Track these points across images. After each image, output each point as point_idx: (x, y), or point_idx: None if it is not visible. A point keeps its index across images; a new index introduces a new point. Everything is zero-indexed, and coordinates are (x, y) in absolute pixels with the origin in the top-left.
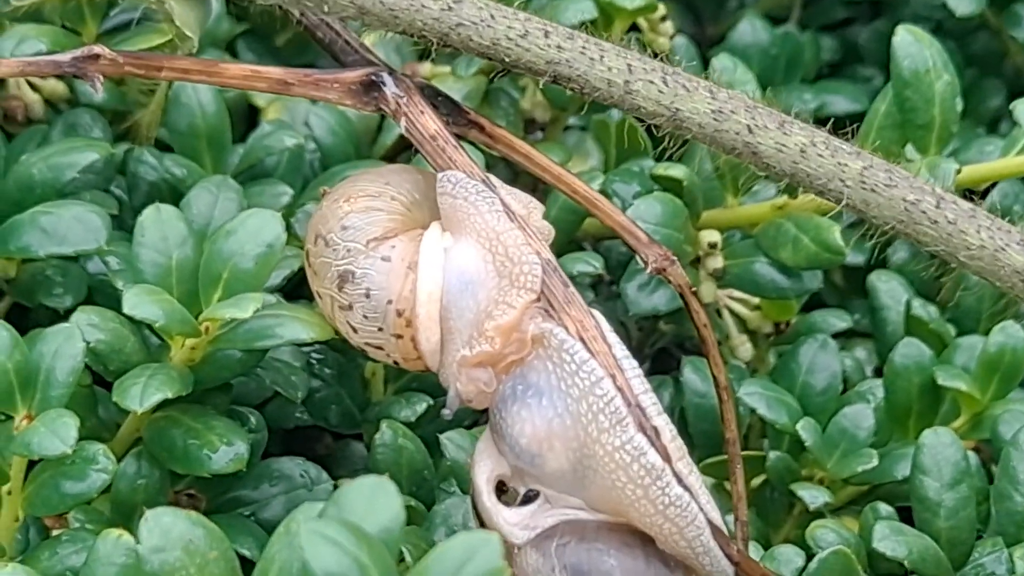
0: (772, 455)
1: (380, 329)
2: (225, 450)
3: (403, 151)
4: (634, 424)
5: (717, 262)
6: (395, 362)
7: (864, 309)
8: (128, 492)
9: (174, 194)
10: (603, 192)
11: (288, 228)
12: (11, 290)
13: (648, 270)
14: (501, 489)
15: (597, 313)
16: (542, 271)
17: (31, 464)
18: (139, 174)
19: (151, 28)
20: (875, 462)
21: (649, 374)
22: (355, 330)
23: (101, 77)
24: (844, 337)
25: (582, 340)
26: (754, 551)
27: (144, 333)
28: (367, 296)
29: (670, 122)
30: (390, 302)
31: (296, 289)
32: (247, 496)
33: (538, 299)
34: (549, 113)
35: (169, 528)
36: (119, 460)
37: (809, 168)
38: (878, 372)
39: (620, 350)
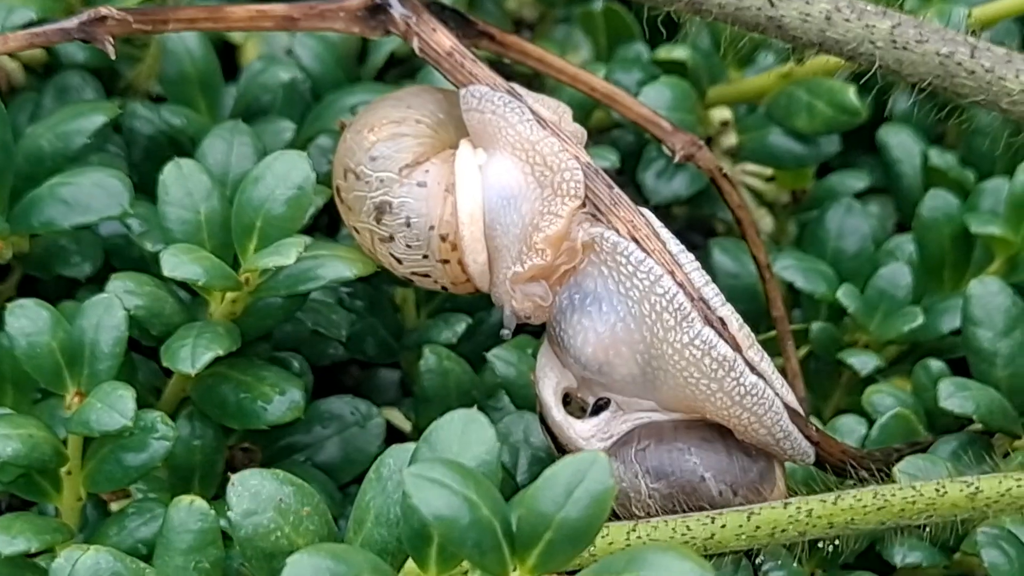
0: (815, 326)
1: (425, 256)
2: (280, 400)
3: (393, 67)
4: (700, 318)
5: (731, 139)
6: (443, 288)
7: (869, 165)
8: (185, 455)
9: (173, 145)
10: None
11: None
12: (25, 265)
13: (677, 158)
14: (566, 401)
15: (646, 211)
16: (584, 175)
17: (86, 441)
18: (135, 129)
19: None
20: (921, 319)
21: None
22: (399, 261)
23: (111, 38)
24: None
25: (635, 240)
26: (813, 423)
27: (177, 291)
28: (408, 225)
29: (689, 7)
30: (432, 228)
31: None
32: (300, 441)
33: (583, 204)
34: (537, 11)
35: (258, 490)
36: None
37: (837, 35)
38: (899, 227)
39: (675, 245)
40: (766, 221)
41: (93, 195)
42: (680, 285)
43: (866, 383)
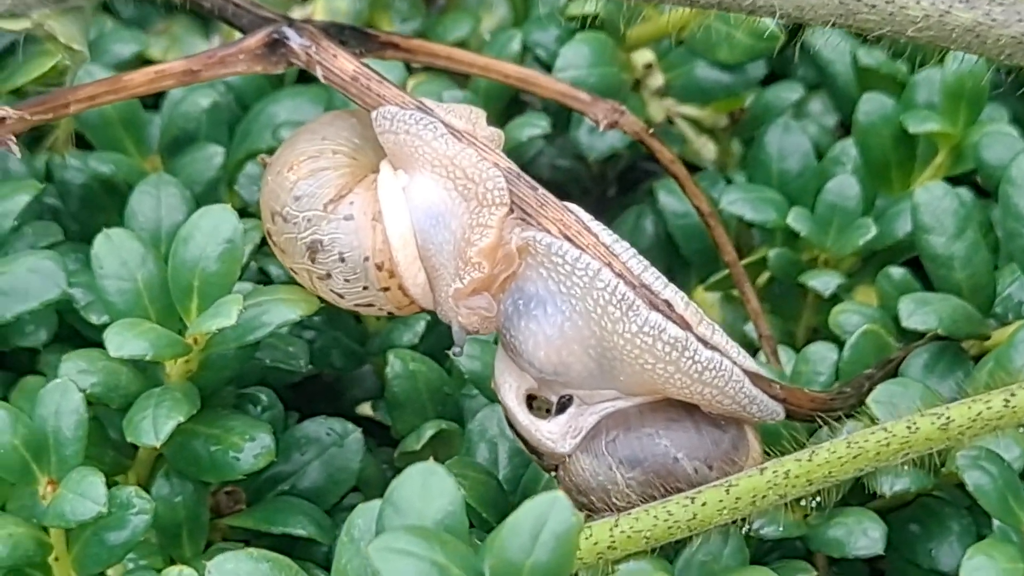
0: (772, 253)
1: (365, 288)
2: (250, 447)
3: None
4: (645, 304)
5: (658, 80)
6: (389, 313)
7: (797, 62)
8: (169, 513)
9: (107, 190)
10: (525, 47)
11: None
12: None
13: (601, 127)
14: (532, 400)
15: (573, 206)
16: (506, 181)
17: None
18: (67, 180)
19: (38, 51)
20: (874, 231)
21: (618, 196)
22: (341, 296)
23: (14, 138)
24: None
25: (567, 238)
26: (784, 354)
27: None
28: (342, 260)
29: None
30: (367, 259)
31: None
32: (282, 471)
33: (511, 210)
34: None
35: (235, 573)
36: (148, 482)
37: None
38: (843, 126)
39: (608, 236)
40: (709, 148)
41: (29, 281)
42: (619, 275)
43: (833, 300)
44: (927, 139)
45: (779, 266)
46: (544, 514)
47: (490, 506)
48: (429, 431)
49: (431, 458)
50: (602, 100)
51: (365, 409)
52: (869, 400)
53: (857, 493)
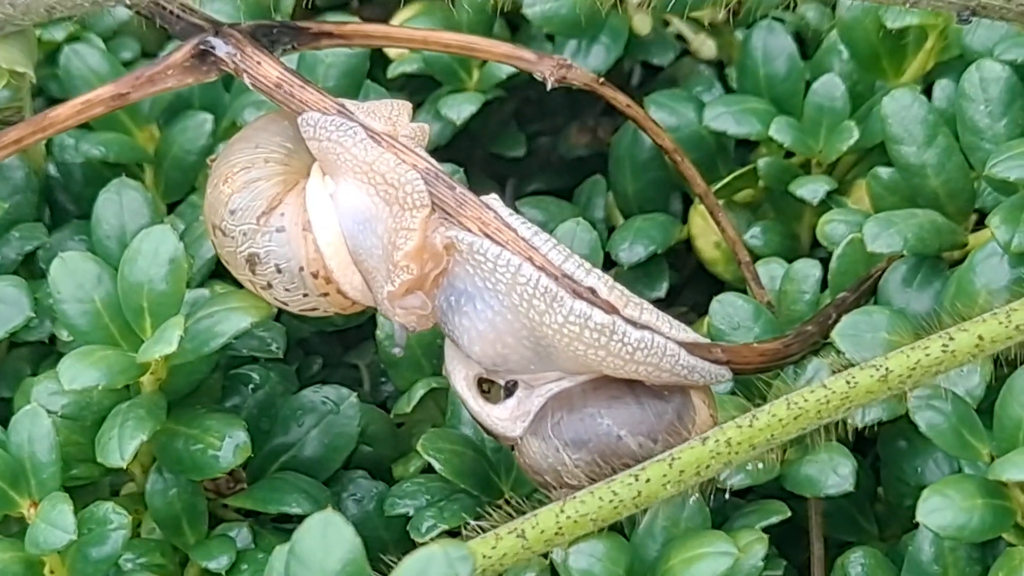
0: (761, 164)
1: (305, 295)
2: (227, 443)
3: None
4: (568, 294)
5: None
6: (336, 315)
7: None
8: (165, 506)
9: (107, 168)
10: None
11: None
12: None
13: (549, 85)
14: (489, 383)
15: (492, 200)
16: (425, 183)
17: None
18: (67, 161)
19: None
20: (856, 135)
21: (641, 85)
22: (285, 303)
23: None
24: None
25: (487, 236)
26: (777, 266)
27: None
28: (279, 271)
29: None
30: (302, 269)
31: None
32: (282, 443)
33: (433, 211)
34: None
35: None
36: (148, 469)
37: None
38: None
39: (527, 230)
40: (708, 45)
41: None
42: (541, 268)
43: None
44: (917, 25)
45: (770, 175)
46: (424, 570)
47: (467, 476)
48: (420, 392)
49: (426, 416)
50: (548, 56)
51: None
52: (834, 334)
53: None
